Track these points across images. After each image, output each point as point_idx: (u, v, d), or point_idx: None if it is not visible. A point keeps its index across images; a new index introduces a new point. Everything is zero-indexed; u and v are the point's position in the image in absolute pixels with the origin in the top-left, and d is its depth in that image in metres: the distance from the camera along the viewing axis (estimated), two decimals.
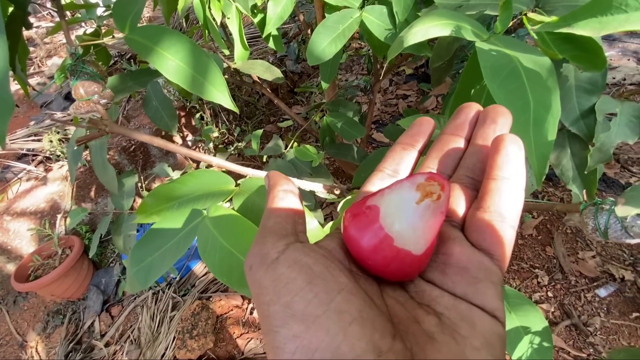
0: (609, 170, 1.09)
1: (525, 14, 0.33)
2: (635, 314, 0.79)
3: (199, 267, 1.15)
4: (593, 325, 0.79)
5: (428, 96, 1.00)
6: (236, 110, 0.38)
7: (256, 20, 0.73)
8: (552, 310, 0.83)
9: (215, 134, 1.43)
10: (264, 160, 0.84)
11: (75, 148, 0.44)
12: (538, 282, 0.89)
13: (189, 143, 1.52)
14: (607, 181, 1.05)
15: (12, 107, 0.27)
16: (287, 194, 0.18)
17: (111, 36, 0.85)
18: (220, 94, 0.36)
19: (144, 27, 0.35)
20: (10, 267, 1.14)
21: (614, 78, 1.42)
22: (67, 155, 0.47)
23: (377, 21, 0.55)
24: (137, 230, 1.05)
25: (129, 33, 0.35)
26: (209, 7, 0.68)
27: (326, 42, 0.55)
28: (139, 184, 1.17)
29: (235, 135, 1.47)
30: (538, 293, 0.87)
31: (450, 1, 0.38)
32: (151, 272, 0.29)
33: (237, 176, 0.40)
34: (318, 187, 0.42)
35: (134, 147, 1.31)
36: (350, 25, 0.55)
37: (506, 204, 0.15)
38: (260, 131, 0.87)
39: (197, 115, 1.43)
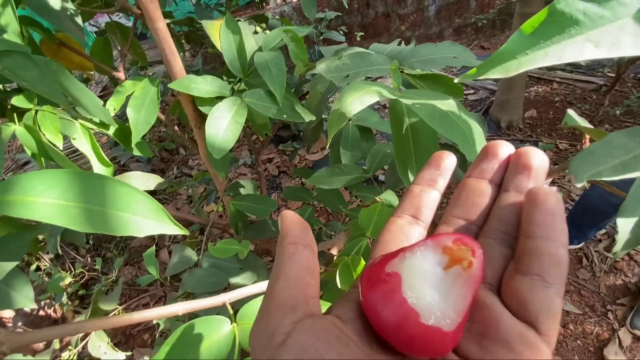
0: None
1: (402, 70, 0.42)
2: None
3: None
4: None
5: (294, 153, 1.09)
6: (186, 231, 0.31)
7: (111, 132, 0.63)
8: None
9: (68, 280, 1.08)
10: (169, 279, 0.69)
11: None
12: None
13: (26, 309, 1.09)
14: None
15: None
16: (298, 249, 0.15)
17: None
18: (161, 223, 0.29)
19: (8, 182, 0.25)
20: None
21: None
22: None
23: (259, 102, 0.57)
24: None
25: None
26: (41, 133, 0.54)
27: (222, 132, 0.53)
28: None
29: (109, 263, 1.16)
30: None
31: (337, 73, 0.44)
32: None
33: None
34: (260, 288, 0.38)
35: None
36: (239, 112, 0.55)
37: (550, 267, 0.13)
38: (152, 250, 0.72)
39: (32, 267, 1.06)
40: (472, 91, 2.16)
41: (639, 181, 0.25)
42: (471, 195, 0.17)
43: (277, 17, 0.97)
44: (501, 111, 1.72)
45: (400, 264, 0.13)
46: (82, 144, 0.59)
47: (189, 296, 0.62)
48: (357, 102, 0.32)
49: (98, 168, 0.61)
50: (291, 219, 0.16)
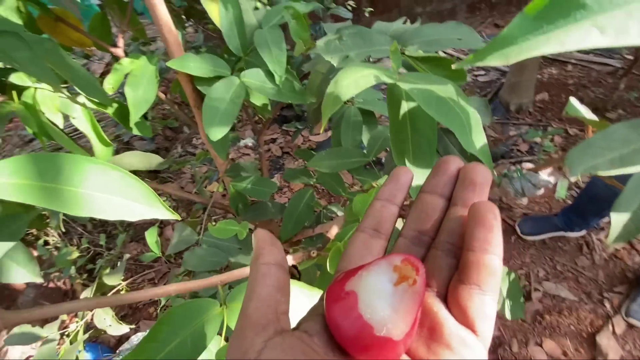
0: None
1: (404, 52, 0.41)
2: None
3: None
4: None
5: (297, 134, 1.08)
6: (177, 216, 0.31)
7: (110, 111, 0.63)
8: None
9: (75, 255, 1.12)
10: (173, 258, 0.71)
11: None
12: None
13: (36, 281, 1.13)
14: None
15: None
16: (270, 268, 0.17)
17: None
18: (152, 208, 0.29)
19: None
20: None
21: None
22: None
23: (258, 83, 0.56)
24: None
25: None
26: (42, 112, 0.54)
27: (219, 113, 0.52)
28: None
29: (113, 237, 1.19)
30: None
31: (337, 54, 0.43)
32: None
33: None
34: (290, 260, 0.39)
35: None
36: (237, 92, 0.54)
37: (486, 277, 0.15)
38: (154, 228, 0.73)
39: (40, 242, 1.09)
40: (482, 72, 2.10)
41: (637, 176, 0.25)
42: (425, 209, 0.19)
43: None
44: (511, 94, 1.66)
45: (358, 282, 0.16)
46: (82, 123, 0.59)
47: (190, 274, 0.64)
48: (353, 85, 0.31)
49: (98, 147, 0.61)
50: (263, 239, 0.18)
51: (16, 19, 0.47)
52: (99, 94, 0.44)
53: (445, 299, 0.17)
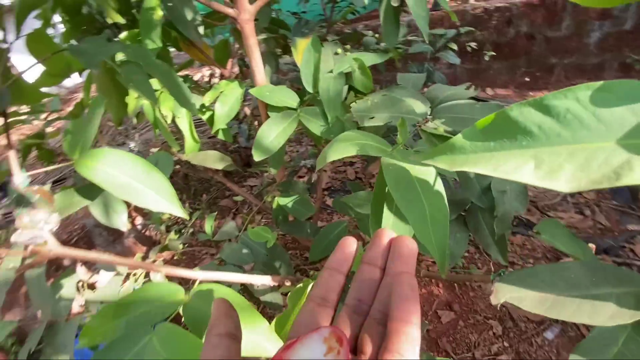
0: (531, 217, 1.24)
1: (420, 126, 0.42)
2: None
3: None
4: None
5: (370, 164, 1.11)
6: (186, 216, 0.41)
7: (205, 117, 0.80)
8: None
9: (167, 216, 1.40)
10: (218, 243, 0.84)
11: (9, 270, 0.42)
12: (494, 333, 0.93)
13: (139, 227, 1.46)
14: (531, 226, 1.19)
15: None
16: (221, 340, 0.18)
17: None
18: (171, 205, 0.38)
19: (93, 151, 0.38)
20: None
21: None
22: None
23: (312, 119, 0.64)
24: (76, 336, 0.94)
25: (78, 157, 0.38)
26: (159, 110, 0.73)
27: (271, 137, 0.62)
28: (80, 283, 1.08)
29: (190, 214, 1.45)
30: (496, 344, 0.90)
31: (363, 113, 0.46)
32: None
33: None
34: (267, 281, 0.44)
35: (75, 238, 1.23)
36: (291, 123, 0.63)
37: (405, 345, 0.17)
38: (213, 215, 0.88)
39: None
40: None
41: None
42: (364, 279, 0.21)
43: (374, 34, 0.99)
44: None
45: (294, 352, 0.18)
46: (183, 122, 0.76)
47: (222, 261, 0.75)
48: (340, 151, 0.35)
49: (189, 142, 0.78)
50: (219, 309, 0.19)
51: (159, 43, 0.65)
52: (190, 106, 0.59)
53: None
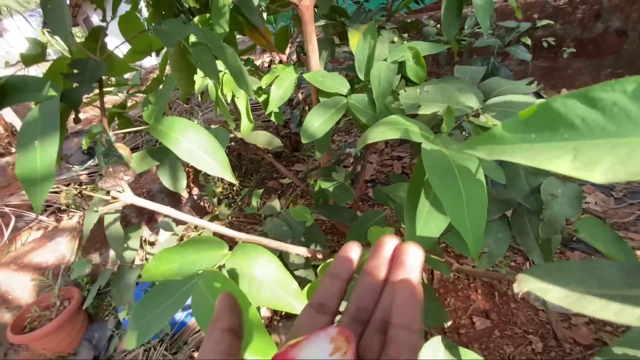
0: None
1: (469, 117, 0.42)
2: None
3: (193, 323, 1.14)
4: None
5: (418, 156, 1.09)
6: (236, 182, 0.45)
7: (261, 99, 0.85)
8: None
9: (219, 189, 1.52)
10: (263, 217, 0.90)
11: (94, 211, 0.51)
12: (532, 349, 0.87)
13: (195, 197, 1.61)
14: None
15: (52, 180, 0.35)
16: (223, 335, 0.18)
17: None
18: (224, 171, 0.43)
19: (165, 118, 0.44)
20: (9, 318, 1.15)
21: None
22: (84, 218, 0.53)
23: (360, 106, 0.65)
24: (136, 284, 1.08)
25: (153, 123, 0.44)
26: (221, 89, 0.80)
27: (318, 123, 0.65)
28: (143, 238, 1.23)
29: (239, 191, 1.55)
30: None
31: (412, 101, 0.47)
32: (149, 328, 0.33)
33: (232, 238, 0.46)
34: (302, 251, 0.47)
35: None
36: (339, 110, 0.65)
37: (405, 352, 0.17)
38: (260, 191, 0.94)
39: (203, 172, 1.54)
40: None
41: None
42: (366, 287, 0.21)
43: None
44: None
45: (299, 351, 0.17)
46: (241, 102, 0.82)
47: (263, 234, 0.81)
48: (380, 134, 0.36)
49: (244, 122, 0.84)
50: (224, 304, 0.19)
51: (226, 28, 0.71)
52: (246, 87, 0.63)
53: None
